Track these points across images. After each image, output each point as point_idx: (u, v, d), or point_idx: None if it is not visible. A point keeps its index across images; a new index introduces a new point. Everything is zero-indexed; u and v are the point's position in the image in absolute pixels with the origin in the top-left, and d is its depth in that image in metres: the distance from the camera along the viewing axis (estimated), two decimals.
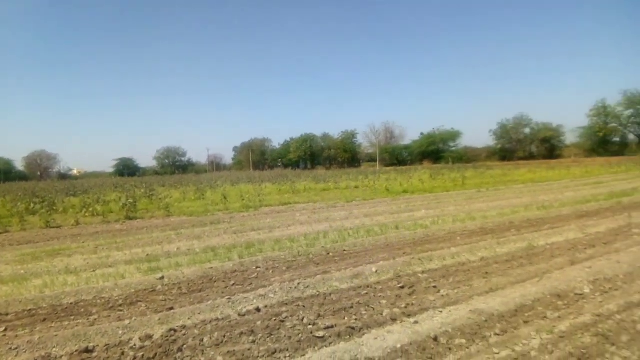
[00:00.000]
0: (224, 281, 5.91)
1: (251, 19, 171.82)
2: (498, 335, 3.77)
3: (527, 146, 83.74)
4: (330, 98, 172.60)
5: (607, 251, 6.64)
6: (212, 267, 6.69)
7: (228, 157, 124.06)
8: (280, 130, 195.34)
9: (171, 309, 4.83)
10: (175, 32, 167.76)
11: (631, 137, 76.34)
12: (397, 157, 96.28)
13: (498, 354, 3.43)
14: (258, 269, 6.47)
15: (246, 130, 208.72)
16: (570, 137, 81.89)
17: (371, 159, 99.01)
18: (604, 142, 74.38)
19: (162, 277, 6.18)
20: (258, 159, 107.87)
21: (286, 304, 4.83)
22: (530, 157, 79.88)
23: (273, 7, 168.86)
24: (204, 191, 22.67)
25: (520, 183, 22.79)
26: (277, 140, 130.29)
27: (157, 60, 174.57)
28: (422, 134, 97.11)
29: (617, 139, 76.34)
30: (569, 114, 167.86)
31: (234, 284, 5.73)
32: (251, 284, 5.73)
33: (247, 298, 5.09)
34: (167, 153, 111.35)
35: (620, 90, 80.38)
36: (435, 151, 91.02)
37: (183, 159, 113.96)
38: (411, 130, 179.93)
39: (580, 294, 4.70)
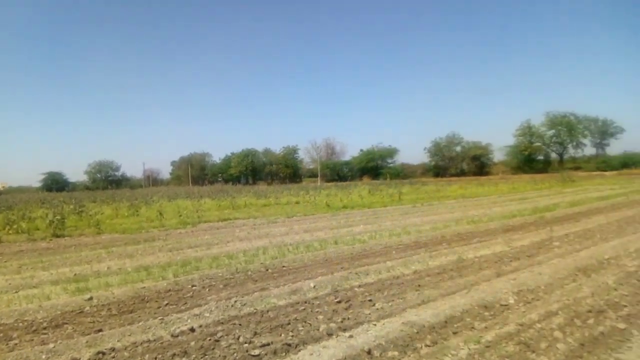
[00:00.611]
0: (156, 301, 5.70)
1: (188, 29, 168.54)
2: (428, 346, 3.91)
3: (458, 163, 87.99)
4: (272, 113, 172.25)
5: (530, 263, 7.10)
6: (144, 287, 6.43)
7: (165, 172, 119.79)
8: (221, 144, 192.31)
9: (100, 331, 4.59)
10: (104, 43, 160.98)
11: (553, 155, 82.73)
12: (338, 172, 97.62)
13: None
14: (194, 288, 6.30)
15: (185, 144, 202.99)
16: (498, 155, 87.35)
17: (312, 175, 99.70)
18: (529, 160, 79.81)
19: (91, 298, 5.86)
20: (198, 173, 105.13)
21: (222, 322, 4.73)
22: (462, 173, 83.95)
23: (207, 19, 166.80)
24: (138, 207, 21.71)
25: (452, 198, 23.87)
26: (217, 154, 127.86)
27: (88, 71, 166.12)
28: (361, 150, 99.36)
29: (540, 157, 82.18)
30: (497, 133, 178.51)
31: (167, 304, 5.54)
32: (186, 303, 5.57)
33: (181, 318, 4.94)
34: (99, 167, 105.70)
35: (543, 111, 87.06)
36: (374, 167, 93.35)
37: (116, 173, 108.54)
38: (352, 147, 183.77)
39: (506, 305, 4.99)
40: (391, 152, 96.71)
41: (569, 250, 7.95)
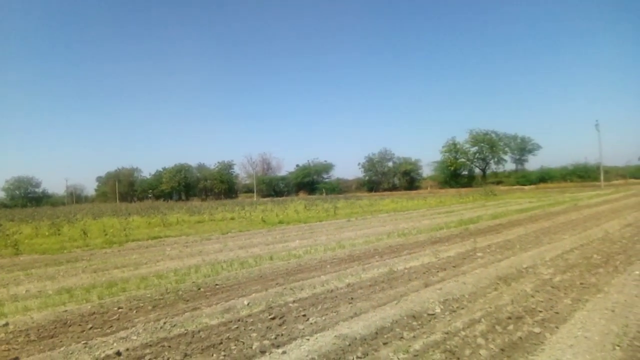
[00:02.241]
0: (80, 325, 5.37)
1: (111, 33, 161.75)
2: (360, 358, 3.99)
3: (390, 178, 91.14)
4: (206, 128, 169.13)
5: (455, 273, 7.47)
6: (66, 310, 6.04)
7: (90, 188, 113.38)
8: (151, 159, 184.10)
9: (16, 359, 4.24)
10: (24, 48, 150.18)
11: (477, 170, 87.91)
12: (274, 188, 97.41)
13: None
14: (120, 310, 6.00)
15: (112, 158, 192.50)
16: (426, 170, 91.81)
17: (249, 190, 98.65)
18: (455, 175, 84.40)
19: (7, 324, 5.43)
20: (126, 190, 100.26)
21: (150, 345, 4.54)
22: (394, 188, 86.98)
23: (137, 25, 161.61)
24: (60, 226, 20.28)
25: (385, 212, 24.59)
26: (147, 170, 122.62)
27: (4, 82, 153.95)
28: (297, 165, 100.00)
29: (465, 172, 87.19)
30: (425, 150, 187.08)
31: (91, 328, 5.23)
32: (112, 326, 5.29)
33: (107, 342, 4.68)
34: (17, 183, 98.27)
35: (467, 129, 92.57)
36: (310, 182, 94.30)
37: (37, 189, 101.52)
38: (288, 162, 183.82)
39: (433, 314, 5.22)
40: (327, 168, 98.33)
41: (491, 260, 8.46)
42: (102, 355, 4.26)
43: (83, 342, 4.68)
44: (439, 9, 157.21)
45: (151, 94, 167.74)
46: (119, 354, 4.29)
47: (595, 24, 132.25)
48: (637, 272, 6.88)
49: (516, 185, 72.77)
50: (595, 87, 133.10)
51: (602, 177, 56.48)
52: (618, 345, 4.01)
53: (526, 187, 66.14)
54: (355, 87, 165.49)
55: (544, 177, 74.01)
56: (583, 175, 70.06)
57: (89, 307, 6.20)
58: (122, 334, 4.94)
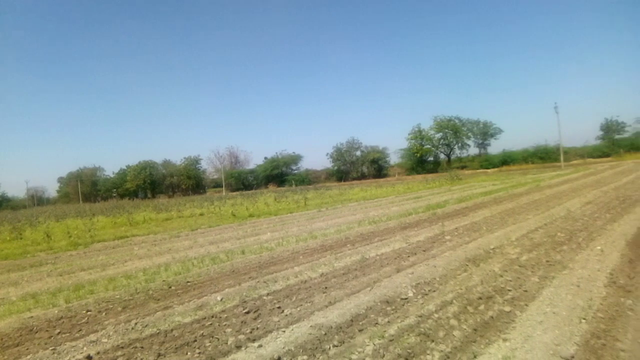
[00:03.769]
0: (47, 330, 5.19)
1: (71, 39, 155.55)
2: (336, 346, 4.02)
3: (359, 167, 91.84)
4: (171, 123, 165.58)
5: (426, 257, 7.62)
6: (32, 316, 5.83)
7: (52, 190, 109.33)
8: (114, 157, 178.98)
9: None
10: None
11: (442, 156, 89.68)
12: (243, 181, 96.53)
13: None
14: (89, 313, 5.83)
15: (73, 158, 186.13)
16: (394, 158, 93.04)
17: (217, 185, 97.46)
18: (421, 162, 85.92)
19: None
20: (89, 190, 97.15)
21: (122, 347, 4.43)
22: (362, 176, 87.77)
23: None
24: (21, 230, 19.47)
25: (354, 201, 24.76)
26: (111, 168, 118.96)
27: None
28: (266, 158, 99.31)
29: (431, 159, 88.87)
30: (392, 137, 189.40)
31: (59, 333, 5.07)
32: (80, 330, 5.14)
33: (76, 346, 4.55)
34: None
35: (432, 116, 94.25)
36: (279, 174, 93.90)
37: None
38: (256, 155, 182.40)
39: (406, 298, 5.30)
40: (295, 159, 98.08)
41: (460, 243, 8.67)
42: None
43: (51, 348, 4.53)
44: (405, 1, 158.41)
45: (112, 91, 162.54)
46: (89, 358, 4.18)
47: (554, 7, 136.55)
48: (599, 248, 7.19)
49: (480, 169, 74.69)
50: (553, 70, 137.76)
51: (562, 158, 58.61)
52: (584, 319, 4.20)
53: (489, 171, 67.92)
54: (320, 78, 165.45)
55: (506, 160, 76.17)
56: (544, 156, 72.59)
57: (56, 311, 6.00)
58: (92, 337, 4.81)
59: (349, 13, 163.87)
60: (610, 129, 75.23)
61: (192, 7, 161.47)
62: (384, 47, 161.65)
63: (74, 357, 4.23)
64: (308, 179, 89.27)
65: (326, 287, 6.11)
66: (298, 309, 5.25)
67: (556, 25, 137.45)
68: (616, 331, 3.88)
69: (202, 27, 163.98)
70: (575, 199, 14.57)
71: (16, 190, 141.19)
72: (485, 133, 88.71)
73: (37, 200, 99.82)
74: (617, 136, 73.40)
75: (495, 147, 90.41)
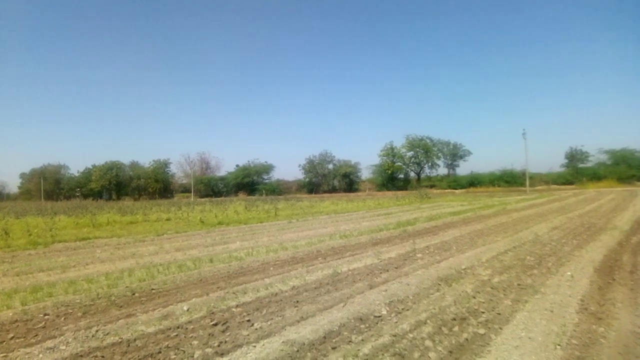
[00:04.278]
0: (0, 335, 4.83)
1: (39, 34, 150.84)
2: None
3: (330, 180, 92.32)
4: (140, 125, 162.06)
5: (398, 274, 7.55)
6: None
7: (14, 185, 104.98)
8: (80, 156, 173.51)
9: None
10: None
11: (412, 174, 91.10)
12: (212, 188, 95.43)
13: None
14: (46, 317, 5.49)
15: (37, 154, 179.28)
16: (365, 173, 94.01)
17: (185, 190, 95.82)
18: (392, 179, 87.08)
19: None
20: (52, 188, 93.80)
21: (81, 355, 4.16)
22: (333, 190, 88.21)
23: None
24: None
25: (325, 214, 24.67)
26: (76, 167, 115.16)
27: None
28: (237, 165, 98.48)
29: (401, 176, 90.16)
30: (365, 153, 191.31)
31: (13, 337, 4.73)
32: (37, 335, 4.81)
33: (31, 353, 4.24)
34: None
35: (405, 134, 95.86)
36: (250, 183, 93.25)
37: None
38: (228, 162, 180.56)
39: (379, 316, 5.20)
40: (267, 168, 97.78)
41: (431, 262, 8.66)
42: None
43: (2, 354, 4.21)
44: (377, 16, 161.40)
45: (81, 88, 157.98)
46: None
47: (523, 33, 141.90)
48: (569, 274, 7.29)
49: (448, 189, 76.25)
50: (523, 97, 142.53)
51: (527, 183, 60.39)
52: (559, 345, 4.19)
53: (457, 191, 69.33)
54: (296, 89, 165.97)
55: (473, 182, 77.97)
56: (510, 180, 74.64)
57: (11, 314, 5.63)
58: (49, 343, 4.50)
59: (325, 27, 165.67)
60: (574, 157, 78.11)
61: (169, 8, 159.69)
62: (360, 63, 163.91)
63: None
64: (279, 189, 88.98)
65: (298, 301, 5.95)
66: (269, 322, 5.07)
67: (528, 53, 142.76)
68: (590, 358, 3.88)
69: (179, 29, 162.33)
70: (542, 224, 14.91)
71: None
72: (455, 154, 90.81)
73: None
74: (580, 165, 76.22)
75: (464, 169, 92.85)
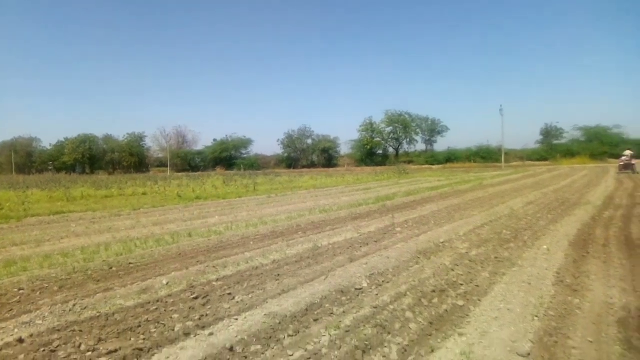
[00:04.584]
0: None
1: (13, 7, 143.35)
2: (291, 336, 3.87)
3: (309, 155, 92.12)
4: (115, 98, 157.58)
5: (378, 248, 7.61)
6: None
7: None
8: (52, 129, 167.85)
9: None
10: None
11: (391, 150, 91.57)
12: (189, 162, 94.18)
13: (292, 355, 3.51)
14: (21, 292, 5.34)
15: (8, 127, 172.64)
16: (344, 149, 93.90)
17: (161, 164, 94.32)
18: (371, 154, 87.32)
19: None
20: (23, 161, 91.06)
21: (58, 330, 4.05)
22: (312, 165, 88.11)
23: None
24: None
25: (304, 189, 24.67)
26: (48, 140, 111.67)
27: None
28: (215, 140, 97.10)
29: (380, 152, 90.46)
30: (344, 128, 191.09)
31: None
32: (12, 310, 4.68)
33: (6, 328, 4.12)
34: None
35: (383, 109, 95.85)
36: (228, 158, 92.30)
37: None
38: (205, 136, 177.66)
39: (360, 289, 5.23)
40: (245, 143, 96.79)
41: (410, 235, 8.75)
42: (1, 343, 3.73)
43: None
44: None
45: (53, 57, 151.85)
46: (21, 341, 3.78)
47: (501, 11, 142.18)
48: (545, 247, 7.46)
49: (425, 164, 77.06)
50: (500, 73, 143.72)
51: (503, 159, 61.50)
52: (536, 316, 4.28)
53: (435, 167, 70.23)
54: (275, 62, 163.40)
55: (450, 158, 78.94)
56: (486, 156, 75.85)
57: None
58: (25, 318, 4.38)
59: (305, 1, 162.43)
60: (549, 134, 79.60)
61: None
62: (339, 35, 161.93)
63: (2, 340, 3.82)
64: (257, 164, 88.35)
65: (279, 275, 5.94)
66: (250, 296, 5.05)
67: (505, 29, 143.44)
68: (567, 329, 3.98)
69: (155, 5, 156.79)
70: (517, 199, 15.21)
71: None
72: (433, 130, 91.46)
73: None
74: (555, 141, 77.78)
75: (441, 145, 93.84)
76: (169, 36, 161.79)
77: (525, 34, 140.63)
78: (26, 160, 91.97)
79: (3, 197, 19.99)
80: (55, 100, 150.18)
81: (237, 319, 4.29)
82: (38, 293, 5.31)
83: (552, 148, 74.79)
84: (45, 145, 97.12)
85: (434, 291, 5.09)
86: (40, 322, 4.29)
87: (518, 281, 5.51)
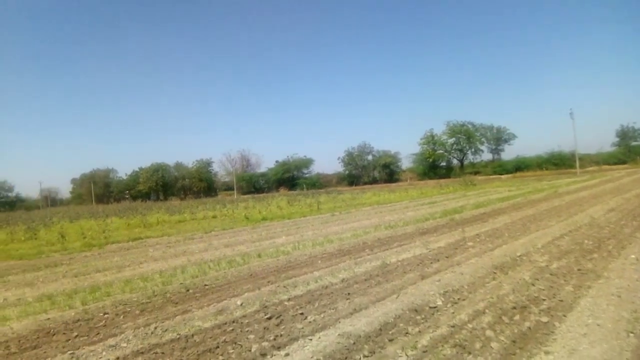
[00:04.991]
0: (64, 333, 5.04)
1: (85, 41, 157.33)
2: (367, 357, 3.80)
3: (370, 171, 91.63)
4: (183, 125, 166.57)
5: (450, 264, 7.35)
6: (49, 318, 5.70)
7: (65, 191, 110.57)
8: (127, 159, 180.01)
9: None
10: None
11: (455, 161, 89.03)
12: (254, 184, 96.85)
13: None
14: (106, 316, 5.69)
15: (87, 160, 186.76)
16: (405, 163, 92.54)
17: (228, 188, 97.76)
18: (434, 167, 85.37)
19: None
20: (102, 191, 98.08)
21: (142, 352, 4.27)
22: (374, 181, 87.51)
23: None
24: (36, 230, 19.51)
25: (367, 205, 24.50)
26: (123, 170, 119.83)
27: None
28: (277, 161, 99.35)
29: (443, 164, 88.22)
30: (404, 142, 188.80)
31: (77, 336, 4.92)
32: (98, 333, 4.99)
33: (95, 351, 4.40)
34: None
35: (445, 121, 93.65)
36: (290, 178, 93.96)
37: (10, 194, 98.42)
38: (267, 158, 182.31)
39: (435, 307, 5.06)
40: (306, 163, 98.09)
41: (483, 250, 8.39)
42: None
43: (69, 352, 4.38)
44: (418, 4, 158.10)
45: (125, 93, 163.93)
46: None
47: (568, 13, 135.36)
48: (633, 257, 6.87)
49: (493, 174, 73.98)
50: (568, 75, 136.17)
51: (577, 164, 57.74)
52: (632, 332, 3.93)
53: (503, 176, 67.18)
54: (332, 81, 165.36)
55: (519, 166, 75.38)
56: (558, 162, 71.69)
57: (73, 313, 5.87)
58: (111, 341, 4.65)
59: (360, 16, 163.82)
60: (626, 135, 74.10)
61: (196, 8, 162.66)
62: (397, 51, 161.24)
63: None
64: (319, 183, 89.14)
65: (349, 294, 5.89)
66: (322, 315, 5.04)
67: (571, 29, 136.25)
68: None
69: (210, 28, 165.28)
70: (597, 206, 14.17)
71: (30, 191, 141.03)
72: (499, 138, 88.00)
73: (50, 201, 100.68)
74: (633, 143, 72.17)
75: (509, 153, 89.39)
76: (229, 62, 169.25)
77: (593, 32, 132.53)
78: (104, 191, 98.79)
79: (85, 226, 21.56)
80: (128, 132, 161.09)
81: (311, 339, 4.29)
82: (121, 317, 5.63)
83: (630, 150, 69.43)
84: (121, 175, 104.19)
85: (514, 308, 4.81)
86: (125, 344, 4.53)
87: (606, 294, 5.10)
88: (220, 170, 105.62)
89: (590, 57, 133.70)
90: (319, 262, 8.38)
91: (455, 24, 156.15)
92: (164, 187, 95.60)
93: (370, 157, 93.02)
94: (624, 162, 65.66)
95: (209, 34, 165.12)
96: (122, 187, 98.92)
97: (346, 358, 3.79)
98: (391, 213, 18.25)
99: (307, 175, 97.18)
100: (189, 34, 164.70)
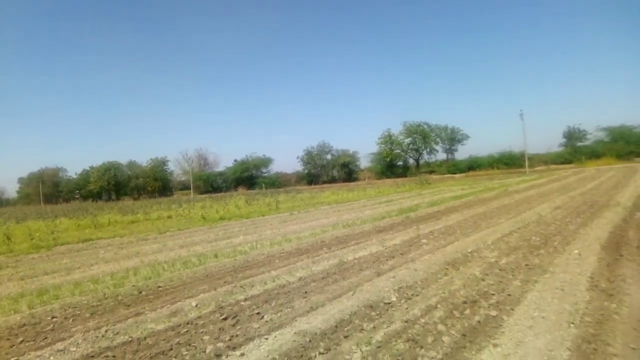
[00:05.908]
0: (9, 339, 4.83)
1: (34, 39, 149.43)
2: (322, 354, 3.85)
3: (329, 171, 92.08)
4: (136, 124, 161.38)
5: (404, 261, 7.53)
6: None
7: (12, 191, 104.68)
8: (77, 158, 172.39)
9: None
10: None
11: (411, 161, 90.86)
12: (212, 184, 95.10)
13: None
14: (54, 320, 5.46)
15: (34, 159, 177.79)
16: (364, 162, 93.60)
17: (185, 187, 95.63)
18: (391, 166, 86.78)
19: None
20: (51, 191, 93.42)
21: (92, 356, 4.14)
22: (333, 180, 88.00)
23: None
24: None
25: (326, 204, 24.63)
26: (73, 169, 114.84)
27: None
28: (235, 160, 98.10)
29: (400, 163, 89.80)
30: (363, 141, 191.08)
31: (23, 341, 4.72)
32: (46, 338, 4.79)
33: (42, 356, 4.23)
34: None
35: (401, 121, 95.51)
36: (249, 177, 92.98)
37: None
38: (225, 157, 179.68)
39: (389, 303, 5.18)
40: (265, 162, 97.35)
41: (436, 246, 8.64)
42: None
43: (13, 358, 4.18)
44: (373, 3, 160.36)
45: (76, 90, 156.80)
46: None
47: (516, 15, 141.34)
48: (576, 252, 7.28)
49: (447, 174, 76.09)
50: (519, 77, 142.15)
51: (526, 164, 60.31)
52: (572, 323, 4.17)
53: (457, 176, 69.24)
54: (291, 81, 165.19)
55: (472, 166, 77.89)
56: (509, 162, 74.55)
57: (19, 318, 5.62)
58: (59, 345, 4.48)
59: (319, 15, 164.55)
60: (572, 136, 77.96)
61: (162, 6, 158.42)
62: (354, 50, 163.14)
63: None
64: (278, 182, 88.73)
65: (306, 292, 5.93)
66: (278, 314, 5.05)
67: (522, 31, 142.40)
68: (605, 335, 3.86)
69: (172, 27, 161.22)
70: (544, 204, 14.89)
71: None
72: (453, 139, 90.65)
73: None
74: (579, 143, 76.10)
75: (462, 153, 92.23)
76: (185, 59, 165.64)
77: (543, 34, 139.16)
78: (53, 190, 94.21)
79: (33, 227, 20.51)
80: (78, 130, 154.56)
81: (267, 339, 4.29)
82: (71, 320, 5.42)
83: (576, 150, 73.16)
84: (71, 174, 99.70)
85: (465, 302, 5.00)
86: (75, 348, 4.37)
87: (551, 288, 5.38)
88: (177, 170, 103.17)
89: (539, 59, 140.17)
90: (277, 261, 8.36)
91: (410, 25, 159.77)
92: (117, 186, 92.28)
93: (329, 157, 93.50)
94: (570, 162, 69.00)
95: (165, 31, 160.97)
96: (71, 187, 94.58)
97: (302, 356, 3.82)
98: (349, 212, 18.44)
99: (266, 174, 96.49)
100: (143, 29, 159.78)
